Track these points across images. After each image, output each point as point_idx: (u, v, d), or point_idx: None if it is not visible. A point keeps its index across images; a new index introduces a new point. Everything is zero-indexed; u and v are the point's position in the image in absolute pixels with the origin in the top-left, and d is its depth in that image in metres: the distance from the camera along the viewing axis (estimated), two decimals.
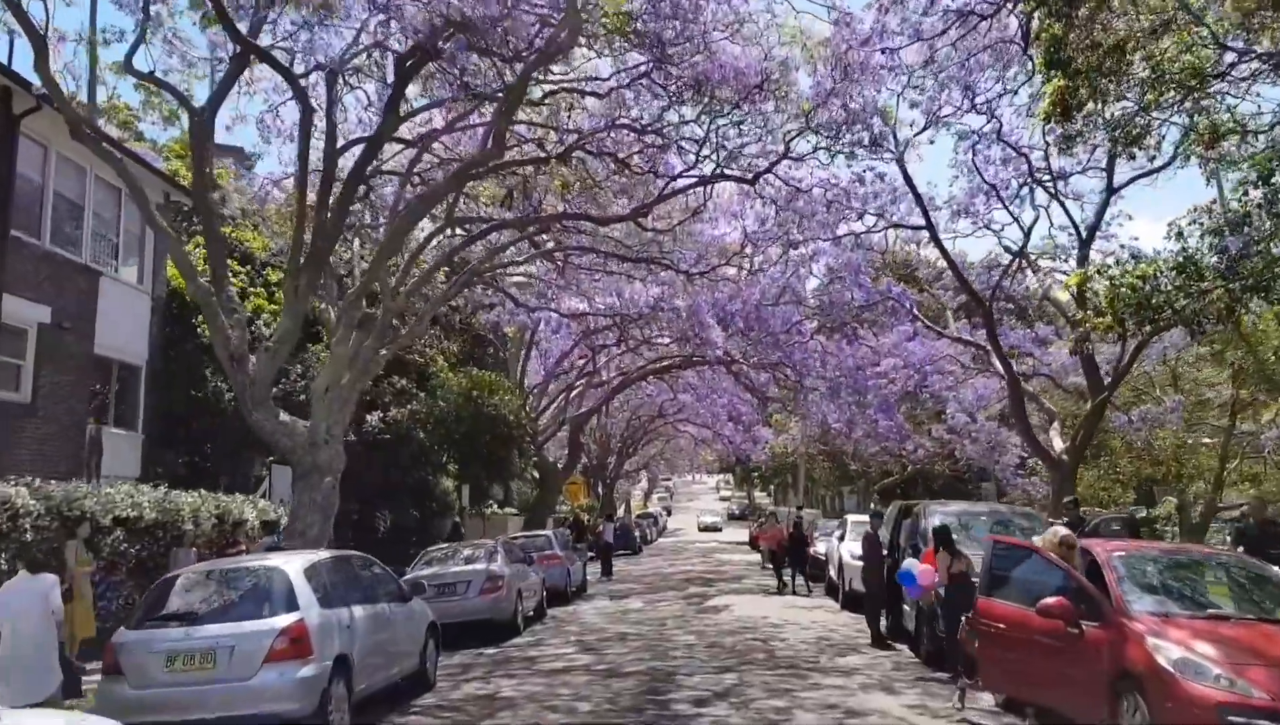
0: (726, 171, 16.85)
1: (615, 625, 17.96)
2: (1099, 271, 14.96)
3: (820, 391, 30.02)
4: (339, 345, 15.32)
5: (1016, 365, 29.84)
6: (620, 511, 79.55)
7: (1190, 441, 22.08)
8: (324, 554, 10.17)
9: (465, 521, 38.93)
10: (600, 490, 55.29)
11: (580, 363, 32.83)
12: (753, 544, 49.26)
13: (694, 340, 26.91)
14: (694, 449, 59.19)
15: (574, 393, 35.07)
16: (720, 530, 66.41)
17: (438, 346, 27.36)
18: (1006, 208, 20.30)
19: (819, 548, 24.87)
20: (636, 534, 50.35)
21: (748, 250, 21.96)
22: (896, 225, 21.90)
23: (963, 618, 9.56)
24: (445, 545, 18.30)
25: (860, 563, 17.33)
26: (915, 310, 28.96)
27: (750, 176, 17.08)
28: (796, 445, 41.15)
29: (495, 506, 35.53)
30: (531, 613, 19.22)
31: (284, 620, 8.47)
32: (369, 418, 23.52)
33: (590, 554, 30.71)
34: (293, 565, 9.14)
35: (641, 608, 20.88)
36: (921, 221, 20.39)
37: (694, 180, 17.18)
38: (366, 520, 24.60)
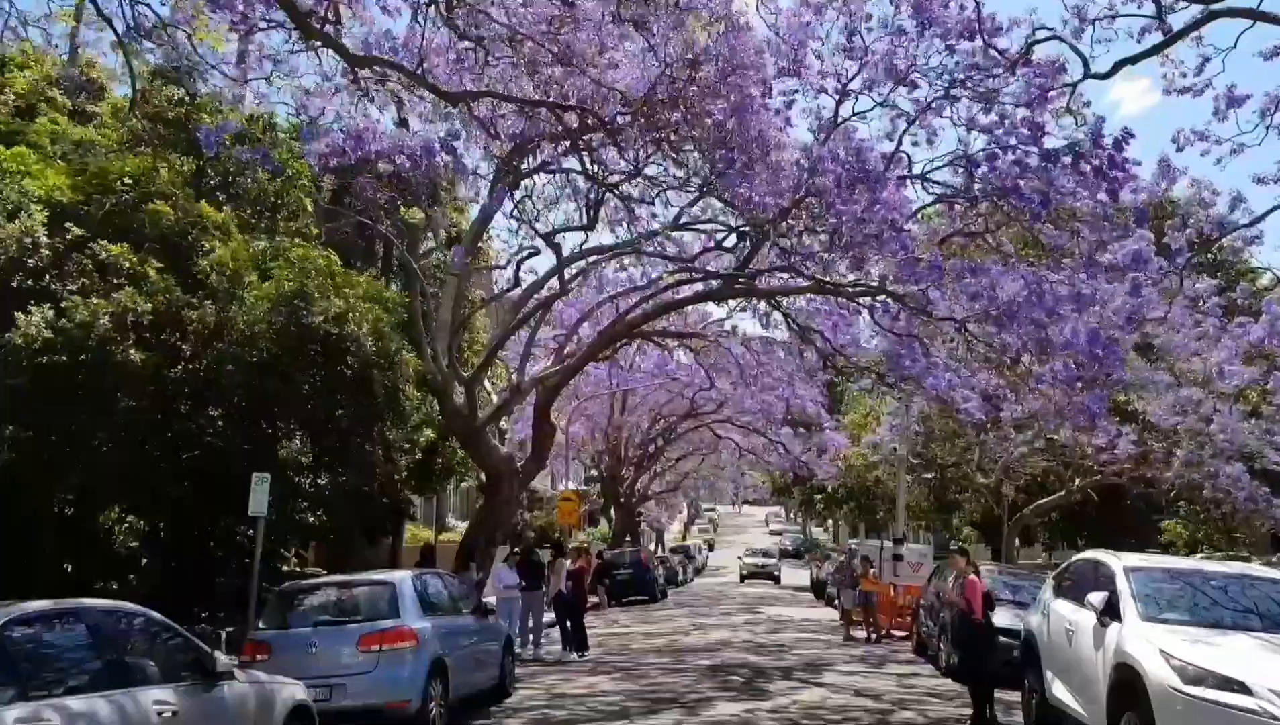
0: None
1: None
2: None
3: (964, 333, 16.61)
4: None
5: None
6: (651, 545, 66.05)
7: None
8: None
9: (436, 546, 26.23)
10: (613, 513, 42.04)
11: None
12: (816, 589, 35.66)
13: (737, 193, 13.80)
14: (737, 461, 45.61)
15: (542, 339, 22.03)
16: (777, 579, 48.13)
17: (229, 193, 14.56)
18: None
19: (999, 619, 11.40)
20: (659, 573, 36.83)
21: None
22: None
23: None
24: None
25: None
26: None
27: None
28: (889, 444, 27.51)
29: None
30: None
31: None
32: (23, 316, 10.79)
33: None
34: None
35: None
36: None
37: None
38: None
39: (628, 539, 44.60)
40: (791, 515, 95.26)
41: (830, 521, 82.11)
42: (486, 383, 23.37)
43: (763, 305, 24.96)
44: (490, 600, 15.90)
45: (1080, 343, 14.38)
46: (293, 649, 9.60)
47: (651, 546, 64.67)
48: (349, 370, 12.64)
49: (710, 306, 30.06)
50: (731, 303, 26.10)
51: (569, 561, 18.74)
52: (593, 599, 32.16)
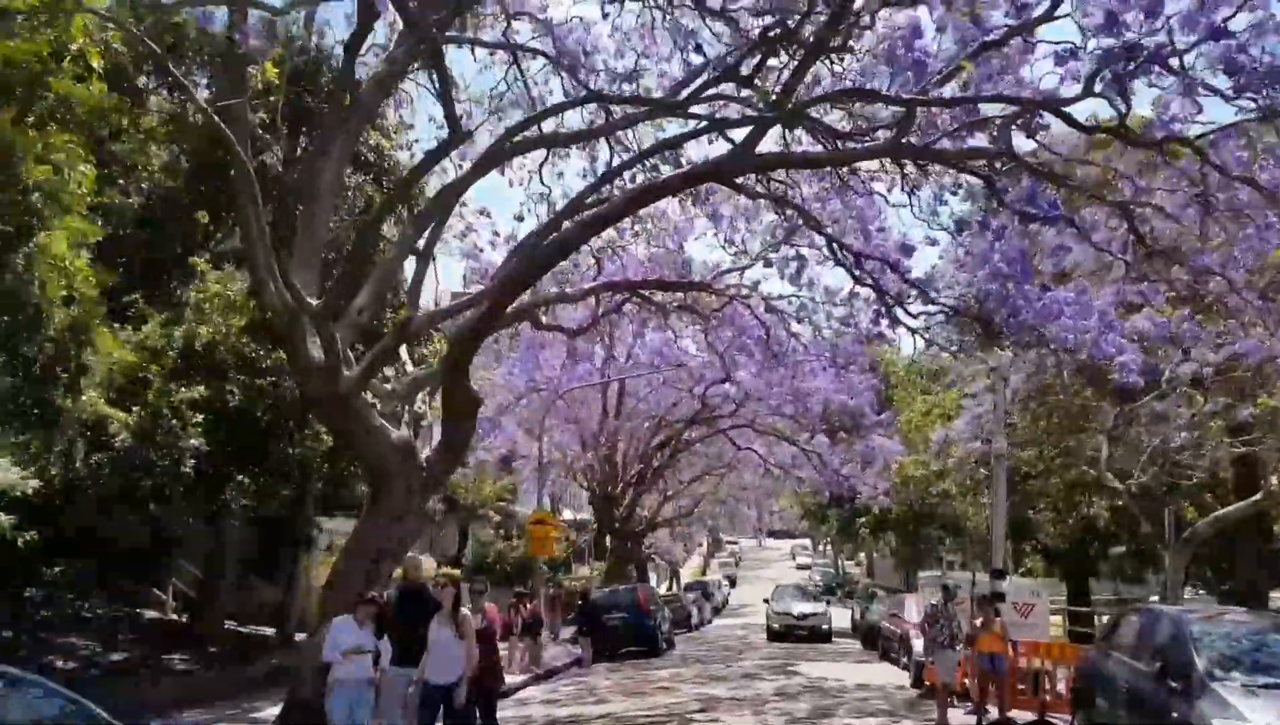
0: None
1: None
2: None
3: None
4: None
5: None
6: (666, 583, 58.14)
7: None
8: None
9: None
10: (607, 542, 34.30)
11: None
12: (865, 636, 27.64)
13: None
14: (761, 478, 37.79)
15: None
16: (826, 635, 31.92)
17: None
18: None
19: None
20: (663, 618, 28.57)
21: None
22: None
23: None
24: None
25: None
26: None
27: None
28: (967, 441, 19.78)
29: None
30: None
31: None
32: None
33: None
34: None
35: None
36: None
37: None
38: None
39: (633, 573, 36.94)
40: (820, 548, 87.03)
41: (862, 554, 73.59)
42: (401, 349, 15.78)
43: (794, 251, 18.04)
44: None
45: None
46: None
47: (665, 584, 56.75)
48: None
49: (723, 257, 22.70)
50: (749, 257, 18.86)
51: (458, 607, 10.70)
52: (576, 651, 24.43)
